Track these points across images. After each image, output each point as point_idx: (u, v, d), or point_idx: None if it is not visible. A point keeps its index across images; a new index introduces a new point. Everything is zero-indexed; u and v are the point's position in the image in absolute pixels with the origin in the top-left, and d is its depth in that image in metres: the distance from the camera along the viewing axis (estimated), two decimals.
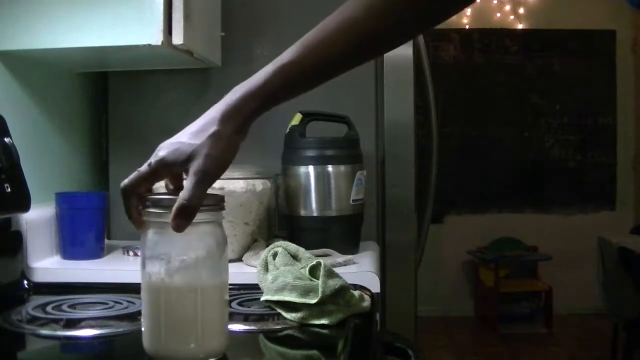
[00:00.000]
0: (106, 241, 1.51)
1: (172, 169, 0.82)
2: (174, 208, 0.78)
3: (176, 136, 0.84)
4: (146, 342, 0.82)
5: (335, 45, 0.87)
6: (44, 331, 0.98)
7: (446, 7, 0.91)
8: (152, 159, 0.83)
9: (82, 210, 1.44)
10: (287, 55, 0.86)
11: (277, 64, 0.86)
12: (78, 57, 1.52)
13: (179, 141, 0.82)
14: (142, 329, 0.83)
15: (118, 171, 1.72)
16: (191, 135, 0.82)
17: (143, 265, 0.81)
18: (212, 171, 0.81)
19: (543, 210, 5.31)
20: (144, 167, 0.83)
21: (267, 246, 1.26)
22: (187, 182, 0.80)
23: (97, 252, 1.45)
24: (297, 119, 1.53)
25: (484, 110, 5.33)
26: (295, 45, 0.87)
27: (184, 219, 0.78)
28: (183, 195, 0.78)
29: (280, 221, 1.63)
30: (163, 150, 0.83)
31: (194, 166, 0.80)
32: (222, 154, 0.82)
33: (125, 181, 0.82)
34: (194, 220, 0.80)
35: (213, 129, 0.82)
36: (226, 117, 0.83)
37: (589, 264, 4.01)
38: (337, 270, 1.09)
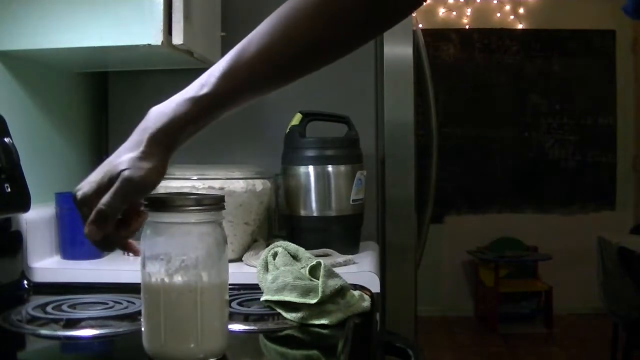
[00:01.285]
0: None
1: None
2: (92, 212, 0.77)
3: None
4: (146, 342, 0.82)
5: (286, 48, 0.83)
6: (44, 331, 0.98)
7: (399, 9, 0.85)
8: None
9: None
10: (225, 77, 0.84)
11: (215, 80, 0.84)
12: (78, 57, 1.52)
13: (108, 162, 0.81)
14: (142, 329, 0.82)
15: None
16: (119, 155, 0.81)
17: (143, 265, 0.81)
18: (140, 184, 0.78)
19: (543, 210, 5.31)
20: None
21: (267, 246, 1.26)
22: (112, 188, 0.78)
23: (97, 252, 1.45)
24: (297, 119, 1.53)
25: (484, 110, 5.33)
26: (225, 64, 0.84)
27: (98, 224, 0.77)
28: (103, 200, 0.78)
29: (280, 221, 1.63)
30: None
31: (124, 174, 0.78)
32: (151, 170, 0.79)
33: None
34: (194, 220, 0.80)
35: (142, 150, 0.81)
36: (156, 141, 0.83)
37: (589, 264, 4.00)
38: (337, 270, 1.09)
